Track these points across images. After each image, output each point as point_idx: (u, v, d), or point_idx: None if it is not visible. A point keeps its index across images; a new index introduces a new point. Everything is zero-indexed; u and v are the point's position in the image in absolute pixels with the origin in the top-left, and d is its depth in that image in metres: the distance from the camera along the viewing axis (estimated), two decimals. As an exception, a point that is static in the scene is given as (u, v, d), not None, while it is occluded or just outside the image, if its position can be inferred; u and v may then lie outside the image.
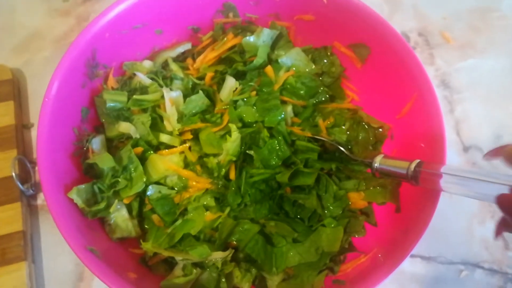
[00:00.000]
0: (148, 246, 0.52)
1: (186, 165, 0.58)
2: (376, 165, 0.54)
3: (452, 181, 0.44)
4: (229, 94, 0.61)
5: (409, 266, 0.67)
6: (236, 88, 0.62)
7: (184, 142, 0.59)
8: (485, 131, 0.77)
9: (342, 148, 0.60)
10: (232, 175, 0.57)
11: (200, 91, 0.61)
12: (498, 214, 0.70)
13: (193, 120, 0.59)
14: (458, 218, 0.70)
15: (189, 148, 0.59)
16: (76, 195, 0.50)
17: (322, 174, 0.59)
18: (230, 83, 0.62)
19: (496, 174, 0.41)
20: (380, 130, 0.62)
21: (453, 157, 0.75)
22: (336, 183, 0.60)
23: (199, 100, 0.60)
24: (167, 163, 0.56)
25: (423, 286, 0.66)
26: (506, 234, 0.69)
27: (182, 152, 0.59)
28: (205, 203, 0.56)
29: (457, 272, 0.66)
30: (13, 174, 0.61)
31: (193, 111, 0.59)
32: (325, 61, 0.67)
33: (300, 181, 0.57)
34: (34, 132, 0.71)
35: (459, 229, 0.70)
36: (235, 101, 0.60)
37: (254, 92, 0.62)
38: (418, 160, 0.49)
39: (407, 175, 0.49)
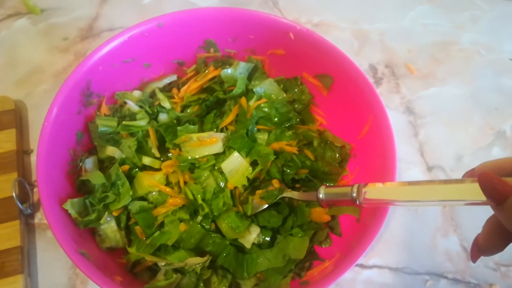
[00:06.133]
0: (133, 251, 0.58)
1: (168, 183, 0.64)
2: (320, 195, 0.55)
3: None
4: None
5: (378, 276, 0.71)
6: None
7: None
8: (447, 152, 0.84)
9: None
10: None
11: (186, 123, 0.67)
12: (461, 227, 0.76)
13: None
14: (423, 232, 0.76)
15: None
16: (70, 207, 0.55)
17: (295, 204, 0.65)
18: None
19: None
20: (345, 148, 0.69)
21: (418, 176, 0.82)
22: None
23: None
24: (151, 181, 0.62)
25: (391, 295, 0.70)
26: (468, 245, 0.75)
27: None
28: (180, 216, 0.61)
29: (423, 282, 0.71)
30: (14, 194, 0.67)
31: None
32: (296, 90, 0.74)
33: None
34: (33, 157, 0.77)
35: (424, 242, 0.75)
36: None
37: (232, 126, 0.69)
38: (357, 185, 0.49)
39: (352, 200, 0.49)
